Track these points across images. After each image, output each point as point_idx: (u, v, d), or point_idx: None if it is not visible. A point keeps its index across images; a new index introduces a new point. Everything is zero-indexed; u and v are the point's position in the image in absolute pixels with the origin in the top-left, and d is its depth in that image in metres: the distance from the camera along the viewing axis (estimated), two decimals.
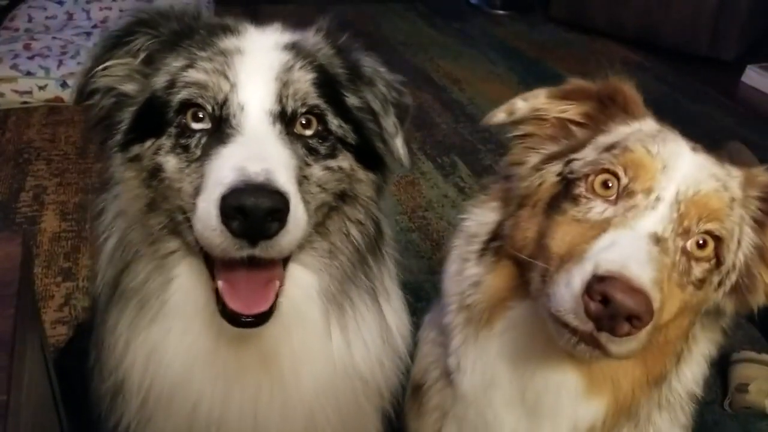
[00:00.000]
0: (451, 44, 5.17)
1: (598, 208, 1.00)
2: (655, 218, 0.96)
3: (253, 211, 0.80)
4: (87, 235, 2.96)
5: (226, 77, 0.92)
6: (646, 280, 0.87)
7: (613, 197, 1.00)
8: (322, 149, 0.98)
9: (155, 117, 0.95)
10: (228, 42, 0.95)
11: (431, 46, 5.11)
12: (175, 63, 0.95)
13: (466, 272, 1.15)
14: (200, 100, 0.92)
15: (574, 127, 1.12)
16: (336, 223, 1.03)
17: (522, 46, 5.11)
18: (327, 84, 0.98)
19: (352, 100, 1.03)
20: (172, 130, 0.95)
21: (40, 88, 3.96)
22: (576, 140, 1.11)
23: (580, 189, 1.02)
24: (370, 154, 1.03)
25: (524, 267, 1.07)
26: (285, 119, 0.94)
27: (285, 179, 0.85)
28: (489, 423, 1.15)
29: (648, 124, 1.10)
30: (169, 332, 0.98)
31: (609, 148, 1.05)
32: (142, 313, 0.99)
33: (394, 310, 1.19)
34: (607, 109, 1.11)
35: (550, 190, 1.07)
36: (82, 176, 3.39)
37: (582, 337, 0.91)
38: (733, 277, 1.05)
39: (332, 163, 0.98)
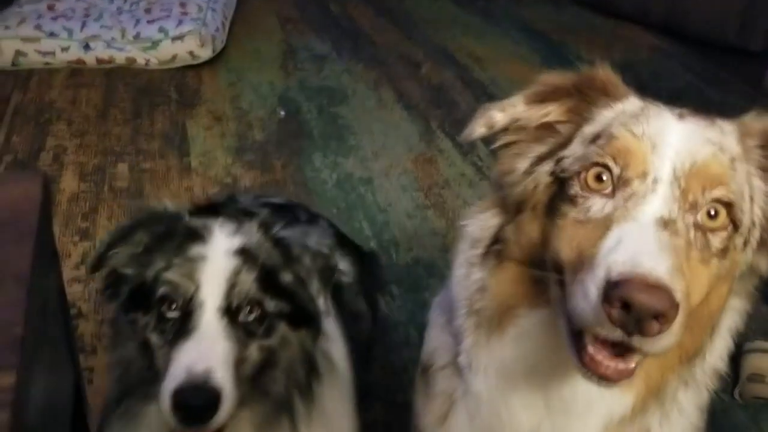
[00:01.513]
0: (475, 23, 5.12)
1: (597, 205, 0.95)
2: (657, 202, 0.92)
3: (192, 408, 1.12)
4: (105, 196, 2.99)
5: (192, 280, 1.20)
6: (662, 272, 0.82)
7: (610, 190, 0.95)
8: (259, 331, 1.24)
9: (145, 298, 1.24)
10: (195, 250, 1.23)
11: (454, 24, 5.07)
12: (159, 264, 1.23)
13: (473, 277, 1.12)
14: (173, 296, 1.21)
15: (558, 125, 1.08)
16: (262, 382, 1.29)
17: (546, 27, 5.05)
18: (266, 276, 1.25)
19: (286, 277, 1.29)
20: (155, 313, 1.22)
21: (63, 49, 3.98)
22: (562, 137, 1.06)
23: (575, 188, 0.97)
24: (302, 316, 1.30)
25: (535, 273, 1.03)
26: (231, 312, 1.20)
27: (222, 374, 1.14)
28: (505, 422, 1.12)
29: (631, 103, 1.05)
30: None
31: (595, 138, 1.00)
32: (126, 429, 1.31)
33: None
34: (587, 97, 1.06)
35: (547, 191, 1.03)
36: (102, 139, 3.42)
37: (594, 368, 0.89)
38: (757, 233, 1.01)
39: (266, 342, 1.25)
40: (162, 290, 1.21)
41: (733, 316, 1.09)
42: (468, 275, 1.13)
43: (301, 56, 4.46)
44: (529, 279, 1.05)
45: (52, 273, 1.00)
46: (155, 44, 4.03)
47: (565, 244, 0.96)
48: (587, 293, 0.85)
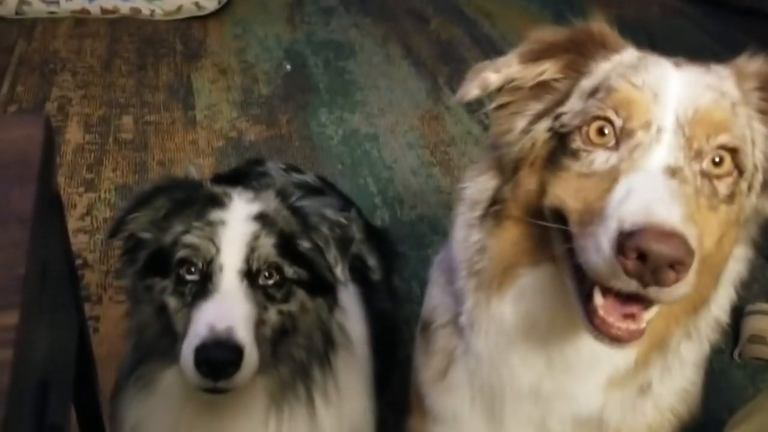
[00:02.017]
0: None
1: (601, 158, 0.93)
2: (662, 151, 0.90)
3: (216, 362, 1.14)
4: (109, 148, 2.98)
5: (213, 243, 1.22)
6: (675, 220, 0.81)
7: (613, 143, 0.94)
8: (278, 295, 1.26)
9: (163, 262, 1.25)
10: (215, 214, 1.25)
11: None
12: (178, 228, 1.25)
13: (472, 238, 1.11)
14: (194, 259, 1.22)
15: (554, 82, 1.05)
16: (283, 347, 1.31)
17: None
18: (285, 242, 1.27)
19: (304, 245, 1.30)
20: (174, 276, 1.24)
21: None
22: (559, 93, 1.03)
23: (577, 142, 0.96)
24: (320, 284, 1.32)
25: (535, 230, 1.02)
26: (251, 275, 1.22)
27: (243, 333, 1.16)
28: (506, 380, 1.13)
29: (628, 54, 1.03)
30: (157, 408, 1.33)
31: (593, 92, 0.98)
32: (142, 393, 1.33)
33: (337, 411, 1.41)
34: (583, 51, 1.04)
35: (545, 147, 1.01)
36: (107, 90, 3.40)
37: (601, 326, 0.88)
38: (760, 177, 1.00)
39: (285, 307, 1.27)
40: (182, 253, 1.22)
41: (736, 265, 1.08)
42: (467, 237, 1.12)
43: (308, 9, 4.39)
44: (529, 236, 1.04)
45: (55, 216, 1.00)
46: None
47: (570, 196, 0.94)
48: (600, 246, 0.84)
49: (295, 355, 1.33)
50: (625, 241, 0.80)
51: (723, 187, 0.94)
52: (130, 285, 1.34)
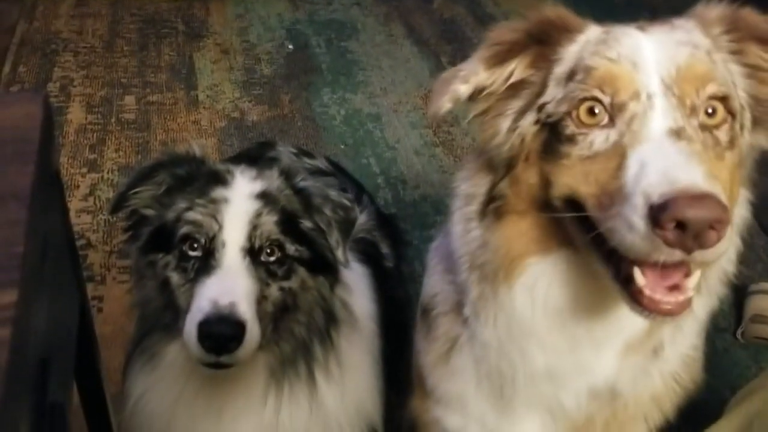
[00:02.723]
0: None
1: (599, 138, 0.92)
2: (659, 115, 0.89)
3: (219, 337, 1.15)
4: (112, 128, 2.98)
5: (216, 220, 1.23)
6: (701, 180, 0.80)
7: (607, 120, 0.93)
8: (280, 272, 1.27)
9: (165, 238, 1.26)
10: (218, 192, 1.26)
11: None
12: (181, 204, 1.26)
13: (472, 233, 1.09)
14: (196, 235, 1.23)
15: (528, 77, 1.03)
16: (284, 323, 1.32)
17: None
18: (287, 220, 1.28)
19: (306, 224, 1.32)
20: (177, 252, 1.25)
21: None
22: (535, 85, 1.02)
23: (571, 128, 0.94)
24: (321, 263, 1.34)
25: (544, 219, 1.01)
26: (253, 252, 1.23)
27: (245, 309, 1.17)
28: (518, 365, 1.12)
29: (593, 31, 1.01)
30: (161, 381, 1.36)
31: (570, 75, 0.97)
32: (147, 366, 1.36)
33: (340, 388, 1.42)
34: (548, 40, 1.02)
35: (536, 139, 1.00)
36: (109, 70, 3.39)
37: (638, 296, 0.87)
38: (748, 114, 1.00)
39: (286, 284, 1.28)
40: (184, 229, 1.23)
41: (740, 209, 1.06)
42: (466, 231, 1.10)
43: None
44: (537, 226, 1.03)
45: (54, 194, 1.00)
46: None
47: (581, 182, 0.93)
48: (632, 224, 0.82)
49: (295, 332, 1.34)
50: (658, 213, 0.79)
51: (723, 135, 0.94)
52: (133, 260, 1.35)
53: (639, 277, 0.87)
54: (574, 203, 0.94)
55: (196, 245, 1.23)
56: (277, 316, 1.29)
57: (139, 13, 3.90)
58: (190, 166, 1.32)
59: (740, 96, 0.99)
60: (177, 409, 1.36)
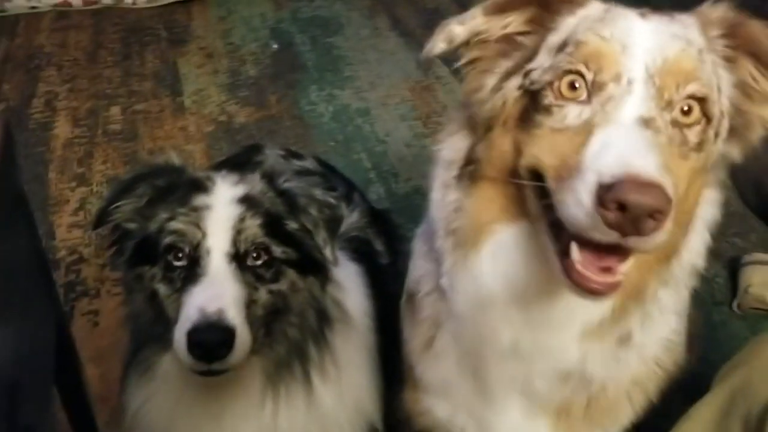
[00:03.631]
0: None
1: (574, 113, 0.93)
2: (634, 102, 0.90)
3: (208, 344, 1.13)
4: (99, 140, 2.96)
5: (199, 227, 1.21)
6: (653, 170, 0.82)
7: (585, 96, 0.93)
8: (268, 275, 1.25)
9: (150, 251, 1.25)
10: (199, 199, 1.24)
11: None
12: (162, 215, 1.24)
13: (448, 198, 1.11)
14: (180, 245, 1.22)
15: (520, 38, 1.04)
16: (276, 326, 1.30)
17: None
18: (272, 222, 1.26)
19: (292, 225, 1.29)
20: (162, 263, 1.23)
21: None
22: (527, 49, 1.03)
23: (549, 98, 0.95)
24: (310, 263, 1.31)
25: (510, 188, 1.02)
26: (239, 257, 1.22)
27: (234, 314, 1.16)
28: (486, 338, 1.13)
29: (594, 7, 1.02)
30: (157, 392, 1.35)
31: (562, 47, 0.98)
32: (143, 379, 1.35)
33: (337, 388, 1.41)
34: (549, 5, 1.03)
35: (517, 105, 1.01)
36: (93, 82, 3.37)
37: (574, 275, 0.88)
38: (726, 123, 1.00)
39: (275, 287, 1.26)
40: (168, 240, 1.22)
41: (708, 208, 1.08)
42: (444, 197, 1.12)
43: None
44: (504, 194, 1.04)
45: (17, 215, 0.98)
46: None
47: (546, 152, 0.94)
48: (580, 199, 0.84)
49: (289, 334, 1.32)
50: (604, 193, 0.80)
51: (693, 135, 0.94)
52: (122, 274, 1.34)
53: (575, 251, 0.89)
54: (537, 174, 0.96)
55: (180, 255, 1.22)
56: (269, 320, 1.28)
57: (121, 22, 3.88)
58: (169, 175, 1.31)
59: (723, 103, 0.99)
60: (175, 420, 1.36)
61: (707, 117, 0.95)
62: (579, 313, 1.05)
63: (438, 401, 1.31)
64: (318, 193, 1.34)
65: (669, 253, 1.04)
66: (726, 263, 2.34)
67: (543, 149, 0.95)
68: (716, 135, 0.99)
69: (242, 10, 4.03)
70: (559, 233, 0.92)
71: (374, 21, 3.97)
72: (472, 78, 1.07)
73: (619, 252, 0.87)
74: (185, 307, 1.17)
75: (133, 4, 3.97)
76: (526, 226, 1.03)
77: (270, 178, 1.33)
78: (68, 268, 2.34)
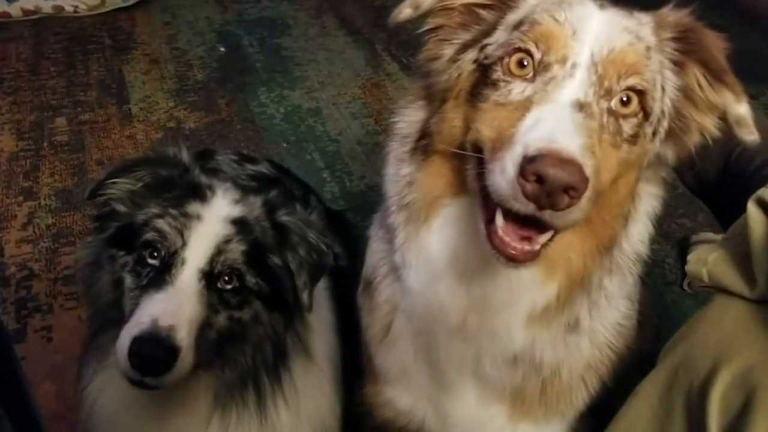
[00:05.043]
0: None
1: (518, 89, 0.98)
2: (574, 85, 0.94)
3: (148, 358, 1.12)
4: (45, 153, 2.90)
5: (182, 236, 1.19)
6: (574, 149, 0.86)
7: (531, 75, 0.98)
8: (233, 301, 1.23)
9: (130, 238, 1.23)
10: (193, 207, 1.22)
11: None
12: (153, 209, 1.23)
13: (401, 172, 1.14)
14: (158, 245, 1.20)
15: (482, 11, 1.08)
16: (228, 351, 1.28)
17: None
18: (256, 252, 1.24)
19: (275, 260, 1.27)
20: (136, 255, 1.22)
21: None
22: (486, 24, 1.07)
23: (498, 73, 1.00)
24: (279, 301, 1.29)
25: (457, 162, 1.05)
26: (211, 276, 1.20)
27: (184, 335, 1.14)
28: (436, 315, 1.15)
29: None
30: (112, 379, 1.31)
31: (518, 25, 1.02)
32: (100, 364, 1.33)
33: (295, 413, 1.39)
34: None
35: (470, 78, 1.05)
36: (36, 94, 3.29)
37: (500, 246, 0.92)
38: (665, 124, 1.04)
39: (236, 314, 1.24)
40: (149, 235, 1.20)
41: (649, 201, 1.12)
42: (398, 171, 1.14)
43: None
44: (452, 168, 1.07)
45: None
46: None
47: (486, 125, 0.98)
48: (505, 169, 0.88)
49: (240, 361, 1.31)
50: (526, 165, 0.84)
51: (628, 126, 0.98)
52: (91, 260, 1.32)
53: (499, 218, 0.93)
54: (479, 148, 0.99)
55: (156, 254, 1.20)
56: (222, 343, 1.26)
57: (63, 31, 3.79)
58: (173, 170, 1.29)
59: (665, 103, 1.03)
60: (126, 411, 1.34)
61: (645, 112, 0.99)
62: (523, 296, 1.08)
63: (399, 392, 1.32)
64: (312, 235, 1.32)
65: (607, 243, 1.07)
66: (675, 244, 2.41)
67: (485, 122, 0.98)
68: (654, 133, 1.03)
69: (187, 15, 3.97)
70: (488, 201, 0.95)
71: (322, 20, 3.96)
72: (432, 45, 1.10)
73: (539, 226, 0.91)
74: (140, 310, 1.16)
75: (75, 12, 3.88)
76: (469, 200, 1.06)
77: (271, 207, 1.32)
78: (19, 285, 2.28)
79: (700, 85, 1.04)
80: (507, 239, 0.92)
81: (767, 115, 2.97)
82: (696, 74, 1.04)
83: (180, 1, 4.10)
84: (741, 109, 1.02)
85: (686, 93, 1.04)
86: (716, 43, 1.04)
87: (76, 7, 3.88)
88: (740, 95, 1.03)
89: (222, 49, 3.67)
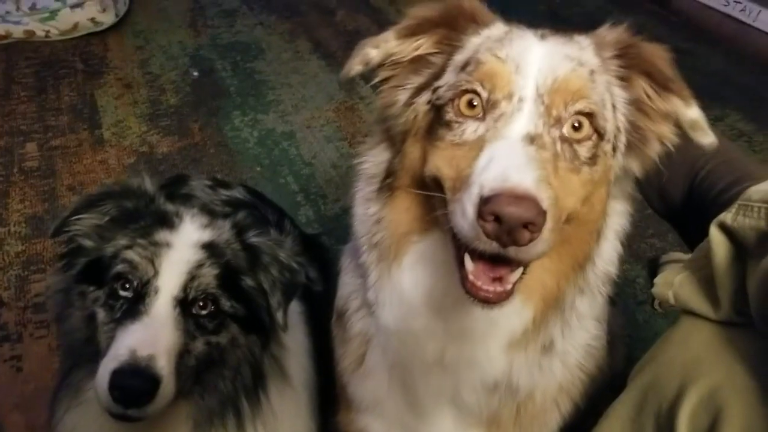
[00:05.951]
0: None
1: (470, 128, 0.99)
2: (523, 119, 0.96)
3: (130, 390, 1.11)
4: (15, 179, 2.86)
5: (153, 264, 1.19)
6: (528, 184, 0.87)
7: (481, 114, 0.99)
8: (210, 326, 1.23)
9: (99, 272, 1.22)
10: (162, 235, 1.21)
11: None
12: (121, 241, 1.22)
13: (369, 211, 1.15)
14: (130, 276, 1.19)
15: (431, 57, 1.10)
16: (208, 377, 1.28)
17: None
18: (228, 275, 1.24)
19: (248, 282, 1.28)
20: (107, 289, 1.21)
21: None
22: (436, 67, 1.09)
23: (450, 114, 1.01)
24: (255, 322, 1.29)
25: (423, 196, 1.07)
26: (185, 303, 1.19)
27: (164, 364, 1.13)
28: (412, 350, 1.16)
29: (497, 28, 1.08)
30: (85, 416, 1.31)
31: (464, 66, 1.04)
32: (73, 402, 1.32)
33: None
34: (456, 26, 1.09)
35: (425, 118, 1.06)
36: (7, 119, 3.26)
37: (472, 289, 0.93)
38: (623, 138, 1.06)
39: (213, 339, 1.24)
40: (119, 267, 1.19)
41: (617, 219, 1.14)
42: (366, 211, 1.15)
43: (210, 12, 4.31)
44: (418, 203, 1.08)
45: None
46: (53, 14, 3.82)
47: (444, 164, 0.99)
48: (465, 211, 0.89)
49: (219, 386, 1.30)
50: (483, 206, 0.86)
51: (584, 150, 1.00)
52: (62, 287, 1.30)
53: (468, 262, 0.94)
54: (440, 185, 1.00)
55: (128, 285, 1.19)
56: (201, 369, 1.25)
57: (35, 55, 3.76)
58: (139, 201, 1.28)
59: (618, 119, 1.05)
60: None
61: (598, 132, 1.01)
62: (502, 324, 1.09)
63: (372, 420, 1.32)
64: (283, 255, 1.33)
65: (581, 261, 1.09)
66: (645, 264, 2.44)
67: (443, 161, 1.00)
68: (614, 149, 1.04)
69: (160, 39, 3.97)
70: (459, 243, 0.96)
71: (295, 44, 3.98)
72: (386, 94, 1.12)
73: (508, 263, 0.92)
74: (117, 342, 1.14)
75: (47, 36, 3.86)
76: (437, 236, 1.08)
77: (240, 229, 1.32)
78: None
79: (648, 96, 1.06)
80: (479, 283, 0.93)
81: (732, 137, 3.06)
82: (643, 86, 1.06)
83: (153, 26, 4.10)
84: (691, 112, 1.05)
85: (638, 106, 1.06)
86: (657, 53, 1.06)
87: (48, 31, 3.85)
88: (688, 99, 1.05)
89: (195, 73, 3.67)
